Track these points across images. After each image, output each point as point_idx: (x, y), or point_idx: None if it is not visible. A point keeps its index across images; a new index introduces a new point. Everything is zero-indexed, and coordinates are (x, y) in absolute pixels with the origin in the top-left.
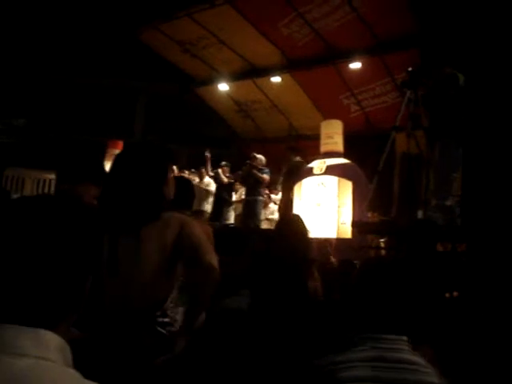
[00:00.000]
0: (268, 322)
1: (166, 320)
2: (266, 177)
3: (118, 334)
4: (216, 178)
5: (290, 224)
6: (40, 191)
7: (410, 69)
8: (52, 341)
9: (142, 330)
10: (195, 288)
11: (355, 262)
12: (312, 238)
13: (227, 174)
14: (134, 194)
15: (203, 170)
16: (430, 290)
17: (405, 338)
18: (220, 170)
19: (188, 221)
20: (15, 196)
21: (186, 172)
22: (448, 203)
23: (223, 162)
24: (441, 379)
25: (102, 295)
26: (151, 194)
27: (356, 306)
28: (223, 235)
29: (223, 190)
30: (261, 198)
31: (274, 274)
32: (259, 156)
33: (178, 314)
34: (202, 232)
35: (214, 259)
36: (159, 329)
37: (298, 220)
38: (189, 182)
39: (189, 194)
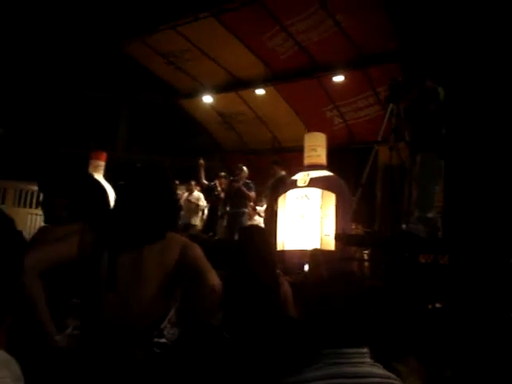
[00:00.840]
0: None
1: (163, 341)
2: (253, 194)
3: (113, 351)
4: (211, 190)
5: (253, 235)
6: (22, 202)
7: (390, 82)
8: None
9: (137, 348)
10: (198, 307)
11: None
12: (297, 250)
13: (223, 186)
14: (139, 214)
15: (192, 183)
16: (411, 302)
17: (364, 350)
18: (217, 182)
19: (189, 242)
20: None
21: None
22: (430, 215)
23: (222, 173)
24: None
25: (99, 310)
26: (156, 213)
27: (312, 322)
28: (206, 248)
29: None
30: (246, 210)
31: (243, 289)
32: (244, 169)
33: (175, 335)
34: (202, 253)
35: (216, 279)
36: (155, 349)
37: (259, 230)
38: (175, 200)
39: (175, 213)
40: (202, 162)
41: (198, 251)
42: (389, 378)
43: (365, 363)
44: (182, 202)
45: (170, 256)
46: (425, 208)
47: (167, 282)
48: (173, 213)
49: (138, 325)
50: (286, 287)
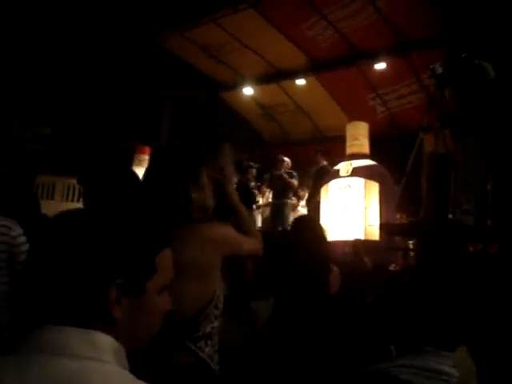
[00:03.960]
0: (291, 329)
1: (199, 334)
2: (295, 182)
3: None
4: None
5: (306, 226)
6: (70, 196)
7: (431, 70)
8: (105, 342)
9: (171, 346)
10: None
11: (390, 266)
12: (340, 241)
13: (253, 175)
14: (157, 203)
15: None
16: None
17: (447, 353)
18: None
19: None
20: (48, 202)
21: None
22: (475, 204)
23: (251, 163)
24: None
25: None
26: (173, 201)
27: (392, 319)
28: None
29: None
30: (289, 201)
31: (295, 279)
32: (286, 159)
33: (208, 328)
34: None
35: (252, 246)
36: (189, 344)
37: (312, 221)
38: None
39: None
40: (254, 171)
41: (225, 230)
42: (454, 377)
43: (441, 363)
44: None
45: (193, 250)
46: (470, 196)
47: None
48: (184, 199)
49: (177, 319)
50: (333, 276)
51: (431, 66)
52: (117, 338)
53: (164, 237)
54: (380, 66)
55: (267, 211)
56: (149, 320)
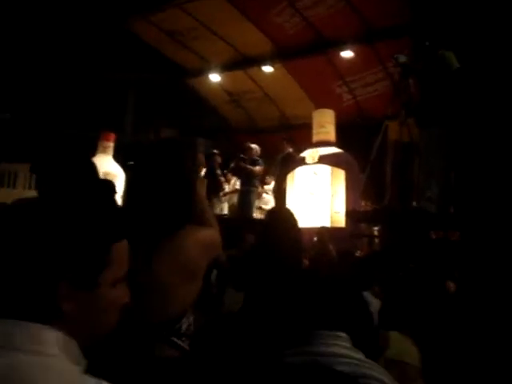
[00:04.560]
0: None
1: (182, 331)
2: (257, 169)
3: (132, 348)
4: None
5: (282, 218)
6: (33, 185)
7: (395, 55)
8: (49, 336)
9: (158, 342)
10: None
11: (355, 252)
12: (306, 228)
13: (219, 163)
14: (150, 204)
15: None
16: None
17: (342, 333)
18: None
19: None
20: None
21: None
22: (437, 191)
23: (216, 151)
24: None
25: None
26: (170, 199)
27: (302, 303)
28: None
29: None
30: (254, 188)
31: (269, 271)
32: (254, 146)
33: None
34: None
35: None
36: (175, 339)
37: (288, 213)
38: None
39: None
40: (219, 158)
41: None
42: (363, 361)
43: (341, 346)
44: None
45: (190, 252)
46: (432, 184)
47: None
48: (182, 201)
49: (159, 319)
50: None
51: (395, 56)
52: (70, 332)
53: (117, 229)
54: (347, 53)
55: (234, 198)
56: (104, 313)
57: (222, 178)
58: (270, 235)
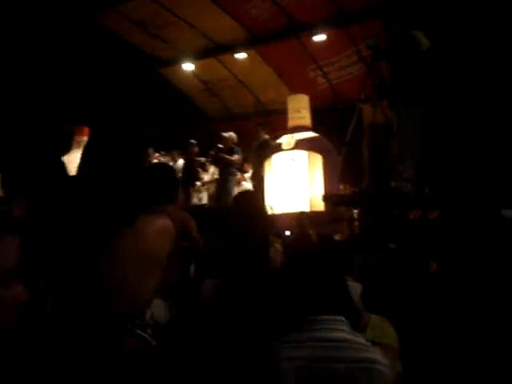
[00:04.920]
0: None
1: (145, 322)
2: (235, 157)
3: (99, 341)
4: (190, 161)
5: (245, 200)
6: None
7: (367, 41)
8: None
9: (122, 335)
10: None
11: (333, 235)
12: (285, 213)
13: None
14: (103, 199)
15: (175, 152)
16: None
17: (339, 317)
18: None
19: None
20: None
21: (156, 155)
22: (413, 171)
23: (192, 141)
24: (384, 357)
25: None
26: (123, 196)
27: (291, 291)
28: (199, 216)
29: (192, 171)
30: (233, 177)
31: (235, 256)
32: (229, 134)
33: (153, 309)
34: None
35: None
36: (139, 331)
37: (251, 195)
38: (173, 170)
39: (174, 185)
40: (196, 148)
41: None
42: (360, 344)
43: (338, 330)
44: None
45: (150, 241)
46: (407, 164)
47: (149, 266)
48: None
49: (121, 313)
50: (274, 251)
51: (366, 38)
52: None
53: None
54: (319, 37)
55: (213, 187)
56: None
57: (199, 168)
58: (236, 220)
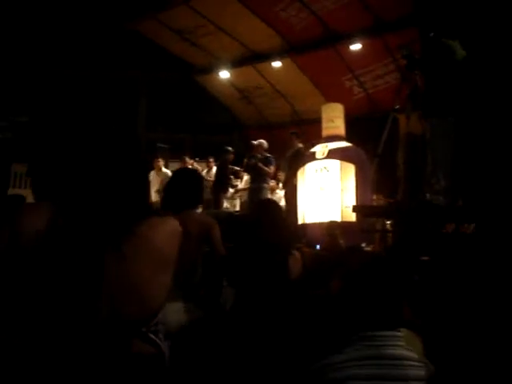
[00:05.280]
0: (254, 318)
1: (154, 328)
2: (271, 168)
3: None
4: (224, 168)
5: (265, 210)
6: None
7: (401, 50)
8: None
9: (135, 339)
10: None
11: (362, 245)
12: (317, 223)
13: (231, 161)
14: (108, 200)
15: (210, 159)
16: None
17: (399, 333)
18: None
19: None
20: (24, 191)
21: (191, 161)
22: (446, 184)
23: (228, 148)
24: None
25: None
26: (128, 197)
27: (349, 305)
28: (230, 223)
29: (224, 178)
30: (266, 185)
31: (254, 264)
32: (259, 141)
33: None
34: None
35: None
36: (151, 336)
37: (271, 204)
38: (196, 176)
39: (199, 189)
40: (231, 156)
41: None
42: (419, 361)
43: (400, 346)
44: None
45: (160, 241)
46: (439, 176)
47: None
48: (140, 194)
49: (134, 319)
50: (294, 260)
51: (400, 47)
52: None
53: None
54: (355, 46)
55: (246, 195)
56: None
57: (232, 176)
58: (254, 227)
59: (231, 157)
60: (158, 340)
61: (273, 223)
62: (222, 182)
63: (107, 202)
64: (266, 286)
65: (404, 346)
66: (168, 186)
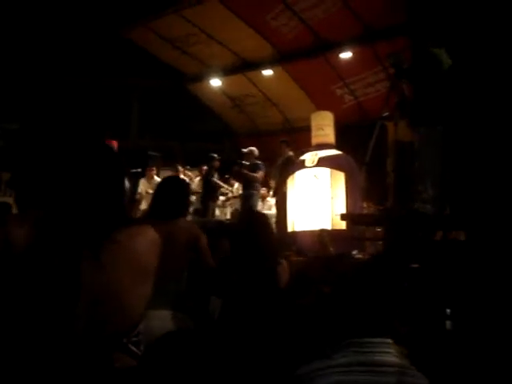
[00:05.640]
0: (242, 327)
1: (135, 339)
2: (259, 174)
3: (91, 358)
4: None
5: (251, 220)
6: None
7: (390, 59)
8: None
9: (115, 351)
10: None
11: (353, 252)
12: (307, 231)
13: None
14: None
15: (204, 167)
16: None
17: (388, 340)
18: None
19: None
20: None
21: (182, 169)
22: (433, 192)
23: (215, 155)
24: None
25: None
26: (107, 205)
27: (337, 311)
28: (219, 232)
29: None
30: (256, 192)
31: (242, 273)
32: (249, 149)
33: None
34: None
35: None
36: (132, 347)
37: (259, 215)
38: (185, 184)
39: (186, 198)
40: (217, 163)
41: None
42: (409, 368)
43: (388, 353)
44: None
45: (140, 250)
46: (427, 184)
47: (141, 276)
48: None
49: (114, 330)
50: (282, 269)
51: (388, 56)
52: None
53: None
54: (346, 55)
55: (237, 203)
56: None
57: (220, 182)
58: (240, 238)
59: (217, 164)
60: (138, 351)
61: (259, 233)
62: (209, 190)
63: (85, 210)
64: (254, 295)
65: (393, 353)
66: (155, 195)
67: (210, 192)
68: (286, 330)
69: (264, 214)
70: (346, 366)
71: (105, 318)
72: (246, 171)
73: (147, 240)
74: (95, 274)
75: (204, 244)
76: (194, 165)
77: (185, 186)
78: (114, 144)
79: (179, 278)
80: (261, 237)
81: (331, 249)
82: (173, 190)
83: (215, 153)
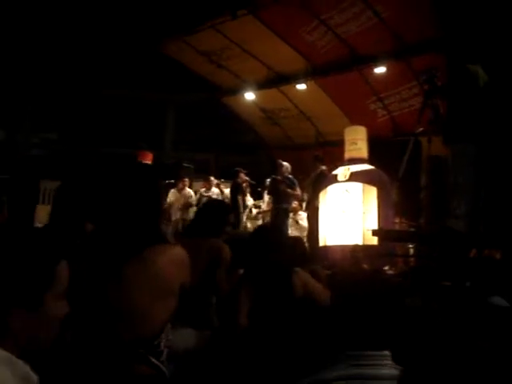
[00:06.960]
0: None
1: (160, 349)
2: (297, 190)
3: (112, 367)
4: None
5: (262, 234)
6: None
7: (425, 75)
8: None
9: (134, 361)
10: None
11: (385, 268)
12: (339, 245)
13: (244, 179)
14: (120, 222)
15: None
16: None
17: (386, 353)
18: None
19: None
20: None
21: (216, 181)
22: (467, 210)
23: (239, 169)
24: None
25: (90, 328)
26: (139, 221)
27: (336, 324)
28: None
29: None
30: (288, 205)
31: (261, 284)
32: (285, 164)
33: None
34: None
35: None
36: (153, 359)
37: (268, 228)
38: (226, 208)
39: (223, 220)
40: (243, 177)
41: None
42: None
43: (385, 366)
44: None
45: (161, 270)
46: (460, 201)
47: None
48: (151, 218)
49: (133, 338)
50: (303, 278)
51: (421, 73)
52: (18, 347)
53: (58, 250)
54: (380, 69)
55: (267, 216)
56: (47, 327)
57: (248, 195)
58: (253, 252)
59: (243, 177)
60: (156, 361)
61: (272, 244)
62: (236, 203)
63: (120, 229)
64: (271, 304)
65: (391, 366)
66: (196, 214)
67: (237, 205)
68: (296, 337)
69: (278, 228)
70: (344, 378)
71: (124, 328)
72: (284, 187)
73: (172, 258)
74: (118, 288)
75: (223, 266)
76: (228, 177)
77: (223, 208)
78: (149, 156)
79: (205, 295)
80: (272, 246)
81: (364, 265)
82: (211, 211)
83: (249, 165)
